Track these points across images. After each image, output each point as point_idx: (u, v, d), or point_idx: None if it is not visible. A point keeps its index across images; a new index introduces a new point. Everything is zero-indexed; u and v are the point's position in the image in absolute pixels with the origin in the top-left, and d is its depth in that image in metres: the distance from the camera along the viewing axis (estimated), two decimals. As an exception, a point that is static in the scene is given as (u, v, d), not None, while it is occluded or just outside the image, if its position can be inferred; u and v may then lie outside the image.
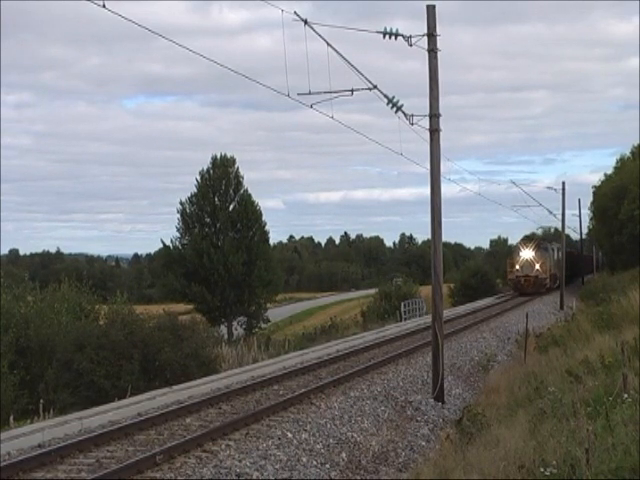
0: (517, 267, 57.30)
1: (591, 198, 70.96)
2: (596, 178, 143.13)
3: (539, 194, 72.83)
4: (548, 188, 57.20)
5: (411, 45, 17.68)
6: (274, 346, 41.41)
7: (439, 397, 18.03)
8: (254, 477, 11.31)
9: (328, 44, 16.75)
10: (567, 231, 67.53)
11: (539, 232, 71.05)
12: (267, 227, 60.10)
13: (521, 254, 57.83)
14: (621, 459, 7.89)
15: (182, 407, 15.56)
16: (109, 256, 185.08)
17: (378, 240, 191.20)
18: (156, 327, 32.13)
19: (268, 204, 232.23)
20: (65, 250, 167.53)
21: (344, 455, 13.19)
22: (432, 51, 17.79)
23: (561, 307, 46.49)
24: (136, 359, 29.92)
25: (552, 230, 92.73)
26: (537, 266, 56.96)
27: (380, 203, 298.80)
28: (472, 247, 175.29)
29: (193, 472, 11.20)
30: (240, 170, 59.44)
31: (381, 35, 17.68)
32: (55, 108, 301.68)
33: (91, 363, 29.79)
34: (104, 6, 11.39)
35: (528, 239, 61.18)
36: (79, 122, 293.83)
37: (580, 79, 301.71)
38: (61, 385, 30.25)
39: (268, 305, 61.01)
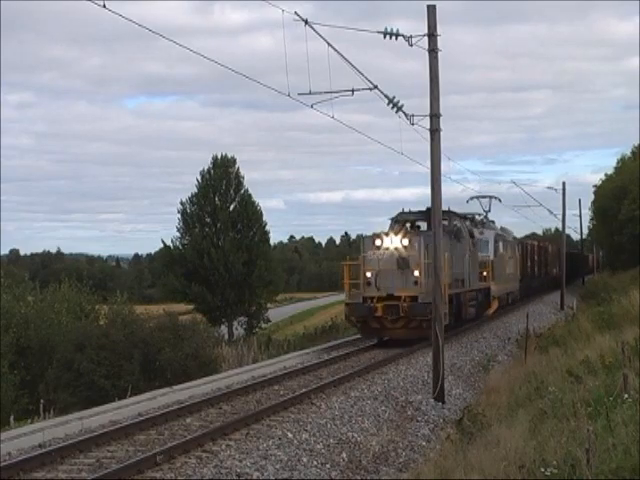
0: (368, 275, 25.18)
1: (592, 198, 71.05)
2: (597, 178, 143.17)
3: (540, 194, 69.86)
4: (549, 188, 56.94)
5: (411, 45, 17.68)
6: (274, 346, 41.42)
7: (439, 397, 18.03)
8: (254, 477, 11.31)
9: (329, 44, 16.76)
10: (568, 231, 67.28)
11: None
12: (268, 227, 60.12)
13: (379, 244, 25.22)
14: (621, 459, 7.90)
15: (183, 407, 15.55)
16: (109, 256, 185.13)
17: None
18: (156, 327, 32.19)
19: (269, 204, 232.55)
20: (65, 250, 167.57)
21: (344, 455, 13.18)
22: (432, 51, 17.79)
23: (561, 307, 46.47)
24: (136, 359, 29.97)
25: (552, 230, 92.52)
26: (415, 272, 24.77)
27: (381, 203, 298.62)
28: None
29: (193, 472, 11.19)
30: (241, 170, 59.51)
31: (382, 35, 17.69)
32: (56, 108, 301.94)
33: (91, 363, 29.84)
34: (104, 6, 11.39)
35: (404, 214, 28.25)
36: (80, 122, 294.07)
37: (581, 79, 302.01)
38: (61, 385, 30.31)
39: (269, 305, 61.01)
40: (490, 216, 40.10)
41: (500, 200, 42.25)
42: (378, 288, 24.80)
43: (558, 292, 50.81)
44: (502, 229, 41.50)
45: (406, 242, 24.87)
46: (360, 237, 26.87)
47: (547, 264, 59.27)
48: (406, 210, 28.22)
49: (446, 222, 26.88)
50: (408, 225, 27.59)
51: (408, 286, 24.69)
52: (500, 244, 37.45)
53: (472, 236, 30.60)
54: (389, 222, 28.17)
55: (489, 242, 34.94)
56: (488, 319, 33.18)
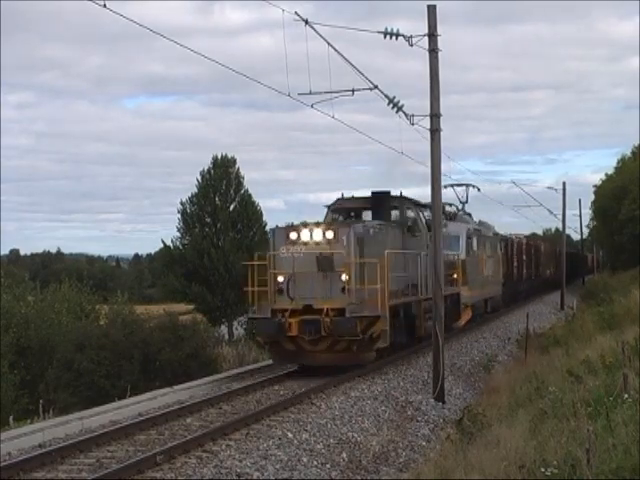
0: (279, 280, 19.07)
1: (592, 198, 71.15)
2: (597, 178, 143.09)
3: (540, 194, 68.98)
4: (549, 188, 57.09)
5: (412, 45, 17.71)
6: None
7: (439, 397, 18.03)
8: (254, 477, 11.31)
9: (329, 44, 16.79)
10: (568, 231, 67.27)
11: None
12: (268, 227, 60.14)
13: (295, 237, 19.06)
14: (621, 459, 7.90)
15: (183, 407, 15.55)
16: (110, 256, 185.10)
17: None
18: (156, 327, 32.22)
19: (269, 204, 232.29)
20: (65, 250, 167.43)
21: (345, 455, 13.18)
22: (433, 51, 17.80)
23: (561, 307, 46.47)
24: (136, 359, 30.01)
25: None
26: (343, 276, 18.64)
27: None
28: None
29: (194, 472, 11.19)
30: (241, 170, 59.54)
31: (382, 35, 17.72)
32: (56, 108, 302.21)
33: (91, 363, 29.89)
34: (105, 6, 11.40)
35: (345, 201, 22.53)
36: (80, 122, 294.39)
37: (581, 79, 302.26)
38: (61, 385, 30.35)
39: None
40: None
41: (479, 189, 36.79)
42: (292, 298, 18.61)
43: (558, 292, 50.84)
44: (480, 223, 35.17)
45: (330, 235, 18.74)
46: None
47: (539, 264, 54.54)
48: (347, 196, 22.49)
49: (397, 211, 22.58)
50: (352, 215, 22.02)
51: (333, 295, 18.63)
52: (474, 240, 31.29)
53: (430, 229, 21.71)
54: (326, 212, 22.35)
55: (460, 238, 28.98)
56: (461, 330, 27.81)
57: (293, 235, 18.96)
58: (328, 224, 19.85)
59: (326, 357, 18.65)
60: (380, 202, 22.08)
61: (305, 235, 18.90)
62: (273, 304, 18.96)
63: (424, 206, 23.45)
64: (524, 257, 47.01)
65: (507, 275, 39.79)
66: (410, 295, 21.32)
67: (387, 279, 18.63)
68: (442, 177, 18.94)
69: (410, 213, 22.89)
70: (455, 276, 26.41)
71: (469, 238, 30.46)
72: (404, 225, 22.25)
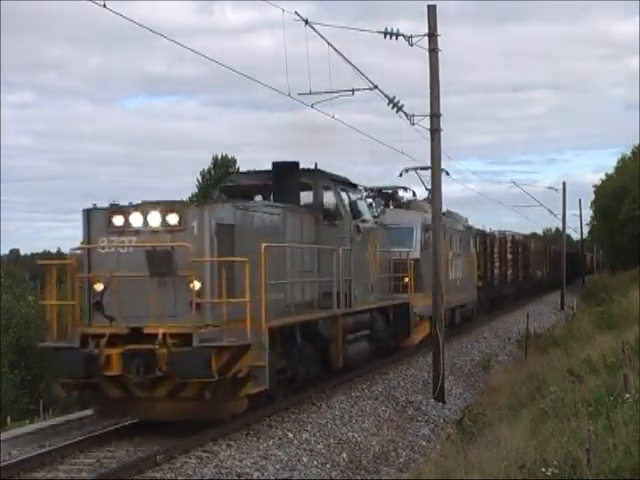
0: (96, 289, 12.60)
1: (592, 198, 71.24)
2: (597, 178, 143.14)
3: (540, 194, 68.50)
4: (549, 188, 57.18)
5: (412, 45, 17.75)
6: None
7: (440, 397, 18.03)
8: (254, 477, 11.30)
9: (329, 44, 16.82)
10: (568, 231, 67.31)
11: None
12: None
13: (121, 223, 12.76)
14: (622, 459, 7.90)
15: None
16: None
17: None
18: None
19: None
20: (65, 250, 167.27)
21: (345, 455, 13.17)
22: (433, 51, 17.82)
23: (562, 307, 46.47)
24: (137, 359, 29.92)
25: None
26: (193, 284, 12.16)
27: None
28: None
29: (194, 472, 11.17)
30: (241, 170, 59.64)
31: (382, 35, 17.75)
32: (56, 108, 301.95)
33: (92, 363, 29.83)
34: (105, 6, 11.40)
35: (244, 176, 17.64)
36: (80, 122, 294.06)
37: (581, 79, 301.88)
38: (62, 385, 30.29)
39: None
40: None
41: (448, 173, 28.30)
42: (111, 317, 12.56)
43: (558, 293, 50.86)
44: (447, 214, 27.61)
45: (174, 220, 12.60)
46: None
47: (528, 265, 49.15)
48: (246, 170, 17.73)
49: (309, 192, 16.55)
50: (260, 199, 16.24)
51: (176, 313, 12.41)
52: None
53: (358, 216, 17.98)
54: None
55: (414, 230, 23.33)
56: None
57: (118, 220, 12.80)
58: (171, 204, 13.05)
59: (165, 408, 12.69)
60: (284, 178, 16.02)
61: (136, 220, 12.70)
62: (84, 327, 12.82)
63: (350, 184, 18.40)
64: (508, 256, 41.55)
65: (485, 278, 34.38)
66: (318, 309, 15.62)
67: (265, 287, 12.78)
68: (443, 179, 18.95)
69: (328, 194, 16.91)
70: (406, 280, 21.17)
71: (426, 231, 23.16)
72: (318, 209, 16.39)
